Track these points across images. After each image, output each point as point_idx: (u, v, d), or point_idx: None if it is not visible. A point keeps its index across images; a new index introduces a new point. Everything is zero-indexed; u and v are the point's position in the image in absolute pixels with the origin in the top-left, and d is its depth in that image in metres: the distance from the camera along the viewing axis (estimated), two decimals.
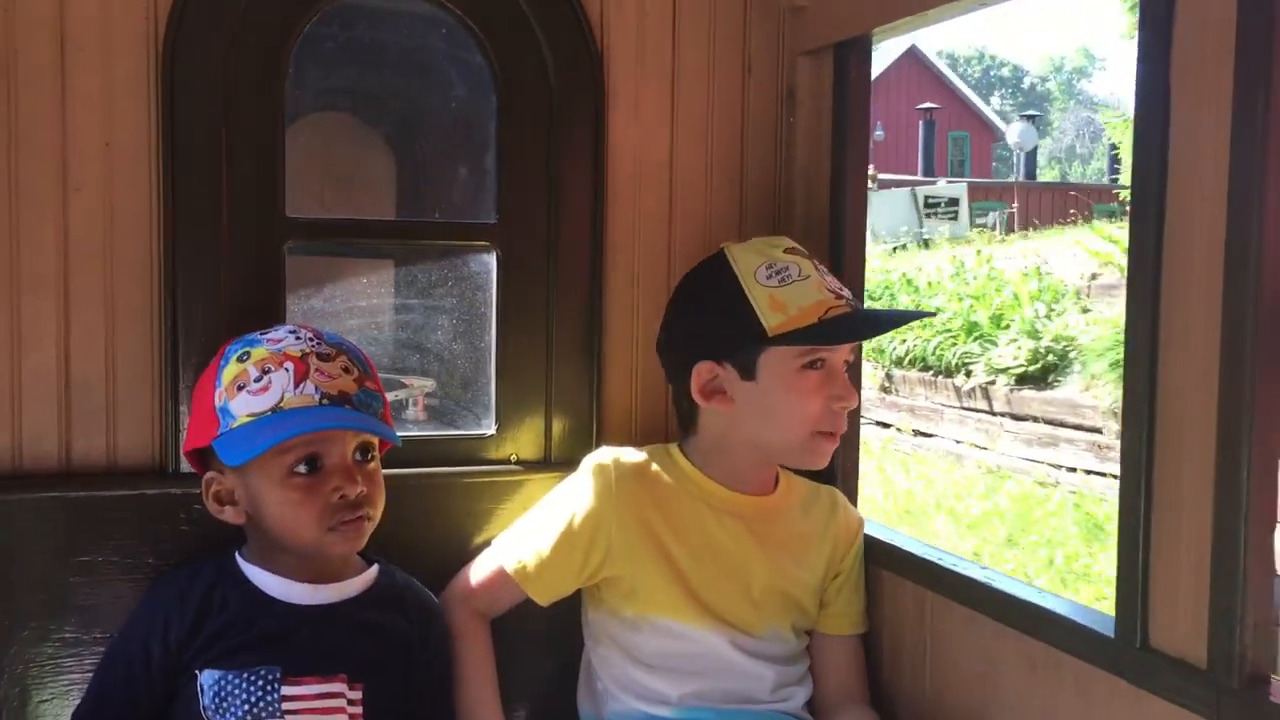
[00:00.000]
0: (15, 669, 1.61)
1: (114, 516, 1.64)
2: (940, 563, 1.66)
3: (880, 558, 1.78)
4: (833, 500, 1.80)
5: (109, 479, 1.67)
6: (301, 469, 1.48)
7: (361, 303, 2.25)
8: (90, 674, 1.59)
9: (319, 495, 1.48)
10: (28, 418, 1.66)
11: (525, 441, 1.87)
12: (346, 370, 1.51)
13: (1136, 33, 1.30)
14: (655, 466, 1.72)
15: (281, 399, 1.46)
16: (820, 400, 1.64)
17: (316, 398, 1.47)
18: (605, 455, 1.72)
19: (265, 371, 1.48)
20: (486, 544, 1.77)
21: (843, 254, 1.88)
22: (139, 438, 1.70)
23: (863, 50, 1.87)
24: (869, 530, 1.81)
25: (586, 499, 1.68)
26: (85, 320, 1.67)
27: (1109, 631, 1.33)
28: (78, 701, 1.58)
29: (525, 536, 1.72)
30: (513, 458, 1.86)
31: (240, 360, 1.50)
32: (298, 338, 1.53)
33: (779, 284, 1.63)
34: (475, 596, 1.72)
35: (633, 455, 1.72)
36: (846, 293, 1.67)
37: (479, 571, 1.73)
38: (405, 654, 1.59)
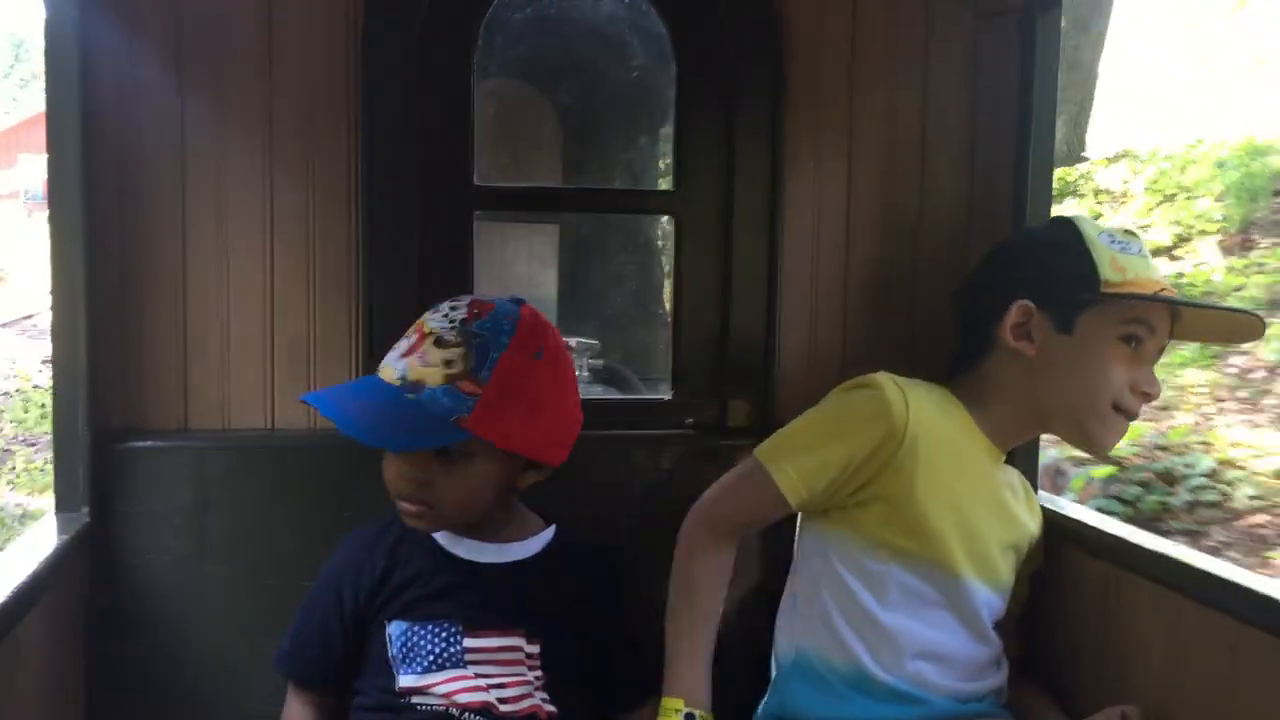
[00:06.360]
0: (228, 614, 1.72)
1: (315, 471, 1.74)
2: (1128, 538, 1.61)
3: (1065, 533, 1.73)
4: (1024, 483, 1.74)
5: (310, 435, 1.77)
6: None
7: (542, 268, 2.29)
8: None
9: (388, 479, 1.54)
10: (235, 378, 1.76)
11: (701, 406, 1.88)
12: (448, 363, 1.46)
13: None
14: (939, 397, 1.64)
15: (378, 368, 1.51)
16: (1126, 376, 1.58)
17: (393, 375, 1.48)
18: (891, 376, 1.61)
19: (406, 338, 1.52)
20: (662, 507, 1.73)
21: (1024, 217, 1.85)
22: None
23: (1051, 11, 1.81)
24: (1052, 505, 1.77)
25: (877, 407, 1.57)
26: (289, 286, 1.76)
27: None
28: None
29: (794, 439, 1.61)
30: (688, 421, 1.88)
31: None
32: (445, 315, 1.51)
33: (1122, 250, 1.59)
34: (727, 515, 1.63)
35: (920, 382, 1.63)
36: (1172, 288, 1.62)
37: (731, 485, 1.64)
38: (579, 613, 1.61)
